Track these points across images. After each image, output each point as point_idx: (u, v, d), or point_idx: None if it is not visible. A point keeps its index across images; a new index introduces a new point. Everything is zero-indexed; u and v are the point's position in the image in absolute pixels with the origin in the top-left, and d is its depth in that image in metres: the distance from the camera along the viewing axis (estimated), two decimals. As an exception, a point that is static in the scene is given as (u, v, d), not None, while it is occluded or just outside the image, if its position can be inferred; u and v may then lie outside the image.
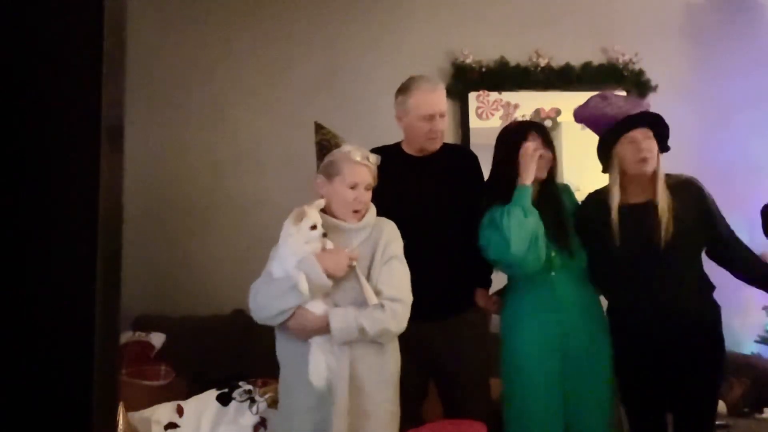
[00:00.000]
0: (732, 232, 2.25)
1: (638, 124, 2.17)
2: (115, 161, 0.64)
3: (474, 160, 2.50)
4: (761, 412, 3.01)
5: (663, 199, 2.16)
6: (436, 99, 2.32)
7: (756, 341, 3.45)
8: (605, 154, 2.24)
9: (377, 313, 1.87)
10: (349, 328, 1.85)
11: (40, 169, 0.60)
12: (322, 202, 1.96)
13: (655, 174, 2.18)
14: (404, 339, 2.07)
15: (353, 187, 1.94)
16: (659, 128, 2.20)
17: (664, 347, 2.15)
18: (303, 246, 1.88)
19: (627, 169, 2.21)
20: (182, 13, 3.63)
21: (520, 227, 2.11)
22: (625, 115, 2.18)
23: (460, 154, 2.54)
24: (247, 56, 3.66)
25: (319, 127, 2.05)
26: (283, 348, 1.99)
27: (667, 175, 2.23)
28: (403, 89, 2.36)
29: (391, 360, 1.97)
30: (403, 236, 2.22)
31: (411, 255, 2.19)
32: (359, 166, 1.95)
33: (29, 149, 0.60)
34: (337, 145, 2.00)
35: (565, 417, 2.19)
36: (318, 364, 1.84)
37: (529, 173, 2.17)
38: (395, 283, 1.95)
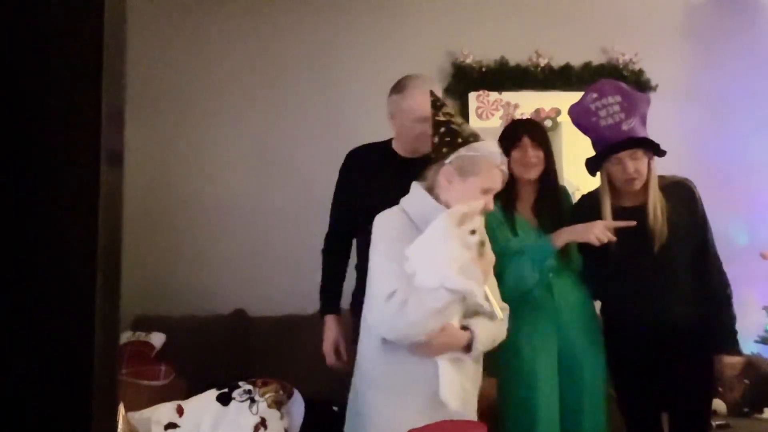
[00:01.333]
0: (719, 261, 2.21)
1: (625, 147, 2.14)
2: (116, 159, 0.64)
3: None
4: (761, 412, 3.01)
5: (656, 204, 2.16)
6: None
7: (756, 341, 3.45)
8: (593, 171, 2.25)
9: (501, 324, 1.79)
10: (487, 342, 1.73)
11: (40, 168, 0.60)
12: (480, 205, 1.70)
13: (647, 180, 2.17)
14: None
15: (486, 192, 1.74)
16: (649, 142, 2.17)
17: (659, 347, 2.15)
18: (463, 251, 1.63)
19: (615, 183, 2.21)
20: (181, 12, 3.63)
21: (519, 282, 2.13)
22: (616, 127, 2.14)
23: None
24: (248, 57, 3.65)
25: (439, 104, 1.83)
26: (395, 366, 1.70)
27: (661, 177, 2.22)
28: (399, 88, 2.27)
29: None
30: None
31: None
32: (498, 171, 1.76)
33: (28, 147, 0.60)
34: (473, 136, 1.77)
35: (563, 416, 2.19)
36: (454, 384, 1.65)
37: (563, 240, 2.12)
38: (497, 290, 1.86)
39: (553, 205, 2.28)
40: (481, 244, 1.65)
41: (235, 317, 3.36)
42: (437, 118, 1.81)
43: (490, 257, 1.74)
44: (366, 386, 1.76)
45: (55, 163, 0.60)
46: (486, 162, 1.73)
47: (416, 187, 1.81)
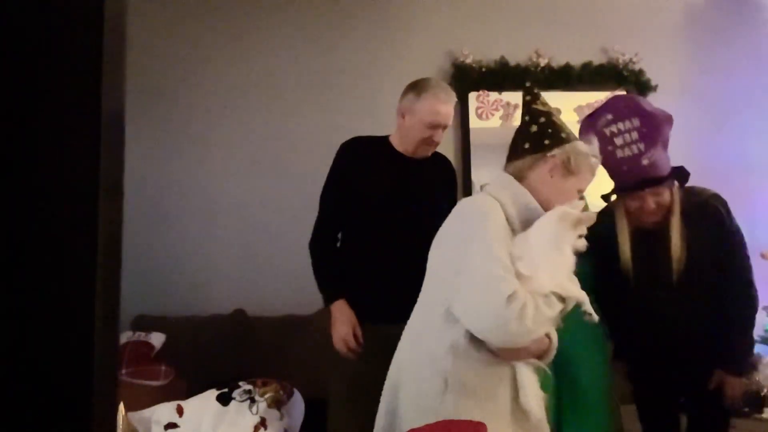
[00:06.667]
0: (745, 282, 2.04)
1: (646, 186, 1.94)
2: (116, 159, 0.64)
3: (454, 173, 2.47)
4: (761, 412, 3.01)
5: (676, 232, 1.96)
6: (447, 111, 2.24)
7: (756, 341, 3.45)
8: (607, 199, 2.13)
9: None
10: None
11: (40, 167, 0.60)
12: (582, 207, 1.60)
13: (670, 204, 1.99)
14: (375, 343, 2.06)
15: (579, 194, 1.67)
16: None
17: (676, 356, 2.12)
18: (572, 257, 1.54)
19: (632, 212, 2.02)
20: (181, 14, 3.63)
21: None
22: (635, 160, 1.92)
23: (445, 163, 2.47)
24: (248, 57, 3.66)
25: (536, 93, 1.73)
26: (477, 369, 1.53)
27: (689, 191, 2.04)
28: (418, 88, 2.25)
29: None
30: (382, 232, 2.20)
31: (386, 253, 2.18)
32: (591, 176, 1.69)
33: (27, 148, 0.60)
34: (573, 135, 1.69)
35: (560, 416, 2.18)
36: (536, 390, 1.56)
37: None
38: None
39: None
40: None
41: (235, 317, 3.36)
42: (534, 106, 1.70)
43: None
44: (438, 390, 1.53)
45: (55, 164, 0.60)
46: (586, 166, 1.65)
47: (511, 180, 1.65)
